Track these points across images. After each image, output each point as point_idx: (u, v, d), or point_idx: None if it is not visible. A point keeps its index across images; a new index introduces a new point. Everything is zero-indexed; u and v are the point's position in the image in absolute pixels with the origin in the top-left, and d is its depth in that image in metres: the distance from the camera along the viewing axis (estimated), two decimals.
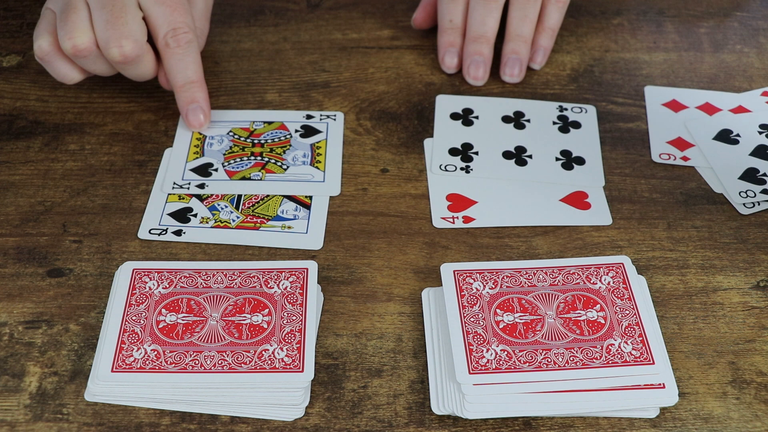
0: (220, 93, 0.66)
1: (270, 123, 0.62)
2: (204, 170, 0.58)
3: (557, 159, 0.61)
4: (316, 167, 0.59)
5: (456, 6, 0.67)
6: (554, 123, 0.63)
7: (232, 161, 0.59)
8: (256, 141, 0.61)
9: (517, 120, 0.63)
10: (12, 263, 0.53)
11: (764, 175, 0.60)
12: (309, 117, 0.63)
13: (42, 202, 0.57)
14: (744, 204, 0.58)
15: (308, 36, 0.71)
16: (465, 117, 0.64)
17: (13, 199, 0.57)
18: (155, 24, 0.59)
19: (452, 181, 0.59)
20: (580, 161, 0.60)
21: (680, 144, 0.62)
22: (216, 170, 0.58)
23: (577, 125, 0.63)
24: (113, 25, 0.57)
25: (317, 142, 0.61)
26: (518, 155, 0.61)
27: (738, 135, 0.63)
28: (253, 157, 0.59)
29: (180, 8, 0.59)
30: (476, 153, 0.61)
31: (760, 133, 0.63)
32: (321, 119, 0.63)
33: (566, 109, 0.64)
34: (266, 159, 0.59)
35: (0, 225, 0.56)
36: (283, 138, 0.61)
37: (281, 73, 0.68)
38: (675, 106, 0.65)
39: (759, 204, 0.58)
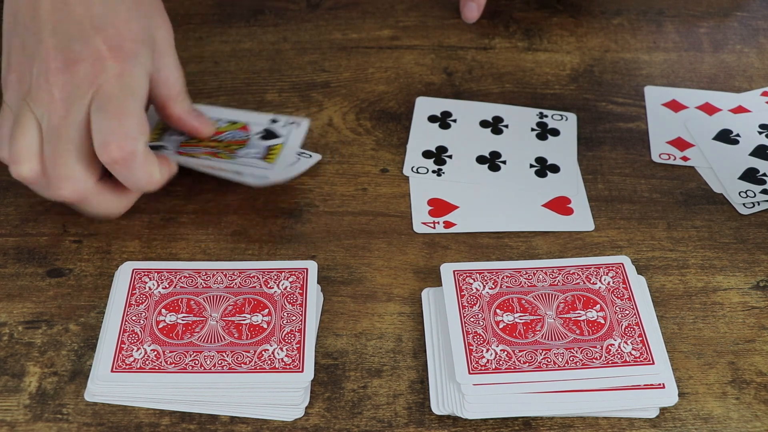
0: (220, 93, 0.66)
1: (234, 123, 0.62)
2: (156, 150, 0.56)
3: (531, 166, 0.60)
4: (266, 161, 0.58)
5: None
6: (533, 129, 0.63)
7: (186, 148, 0.58)
8: (214, 138, 0.59)
9: (495, 125, 0.63)
10: (12, 263, 0.53)
11: (764, 175, 0.60)
12: (274, 121, 0.62)
13: (42, 202, 0.57)
14: (744, 204, 0.58)
15: (308, 36, 0.71)
16: (443, 120, 0.64)
17: (13, 199, 0.57)
18: (92, 133, 0.50)
19: (433, 185, 0.59)
20: (555, 169, 0.60)
21: (680, 144, 0.62)
22: (168, 152, 0.57)
23: (555, 132, 0.63)
24: (54, 165, 0.50)
25: (273, 146, 0.60)
26: (492, 160, 0.61)
27: (738, 135, 0.63)
28: (207, 148, 0.58)
29: (121, 113, 0.50)
30: (450, 156, 0.61)
31: (760, 133, 0.63)
32: (284, 125, 0.62)
33: (546, 116, 0.64)
34: (218, 150, 0.58)
35: (0, 225, 0.56)
36: (241, 138, 0.60)
37: (281, 73, 0.68)
38: (675, 106, 0.65)
39: (759, 204, 0.58)
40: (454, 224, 0.56)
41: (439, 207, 0.57)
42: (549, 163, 0.60)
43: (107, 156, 0.49)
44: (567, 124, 0.64)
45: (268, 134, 0.60)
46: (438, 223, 0.56)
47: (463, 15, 0.72)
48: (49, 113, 0.50)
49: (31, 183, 0.51)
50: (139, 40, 0.52)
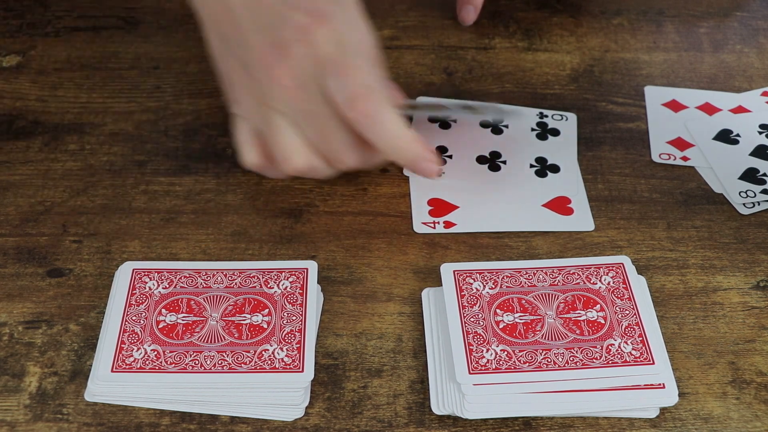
0: (220, 93, 0.65)
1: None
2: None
3: (531, 166, 0.60)
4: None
5: None
6: (533, 129, 0.63)
7: None
8: None
9: (495, 125, 0.63)
10: (12, 263, 0.53)
11: (764, 175, 0.60)
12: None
13: (42, 202, 0.57)
14: (744, 204, 0.58)
15: None
16: (443, 120, 0.64)
17: (13, 199, 0.57)
18: (331, 99, 0.50)
19: (433, 185, 0.59)
20: (555, 169, 0.60)
21: (680, 144, 0.62)
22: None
23: (555, 132, 0.63)
24: (325, 142, 0.52)
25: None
26: (492, 160, 0.60)
27: (738, 135, 0.63)
28: None
29: (352, 70, 0.50)
30: (450, 156, 0.61)
31: (760, 133, 0.63)
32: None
33: (546, 116, 0.64)
34: None
35: (0, 225, 0.56)
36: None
37: None
38: (675, 106, 0.66)
39: (759, 204, 0.58)
40: (454, 224, 0.56)
41: (440, 207, 0.57)
42: (549, 163, 0.60)
43: (356, 112, 0.50)
44: (567, 124, 0.64)
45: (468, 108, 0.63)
46: (438, 223, 0.56)
47: (459, 17, 0.72)
48: (292, 104, 0.51)
49: (305, 171, 0.53)
50: (330, 0, 0.52)
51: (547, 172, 0.60)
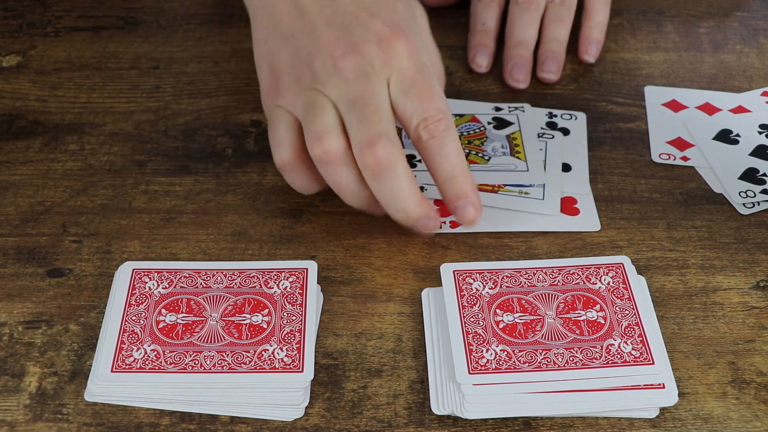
0: (220, 93, 0.66)
1: (461, 116, 0.62)
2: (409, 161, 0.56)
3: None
4: (517, 157, 0.60)
5: (490, 11, 0.69)
6: (542, 129, 0.63)
7: None
8: None
9: (503, 125, 0.63)
10: (12, 263, 0.53)
11: (764, 175, 0.60)
12: (497, 109, 0.63)
13: (42, 202, 0.57)
14: (744, 204, 0.58)
15: None
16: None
17: (13, 199, 0.57)
18: (404, 116, 0.51)
19: None
20: (566, 168, 0.60)
21: (680, 144, 0.62)
22: (419, 161, 0.58)
23: (565, 132, 0.63)
24: (366, 124, 0.50)
25: (512, 134, 0.61)
26: None
27: (738, 135, 0.63)
28: None
29: (430, 93, 0.51)
30: None
31: (760, 133, 0.63)
32: (510, 112, 0.63)
33: (556, 116, 0.64)
34: (467, 150, 0.59)
35: (0, 225, 0.56)
36: (477, 130, 0.61)
37: None
38: (675, 106, 0.66)
39: (759, 204, 0.58)
40: (459, 224, 0.56)
41: (445, 206, 0.57)
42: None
43: (428, 132, 0.51)
44: (577, 123, 0.64)
45: (500, 123, 0.62)
46: (444, 222, 0.56)
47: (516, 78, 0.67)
48: (348, 91, 0.51)
49: (333, 160, 0.51)
50: (409, 18, 0.53)
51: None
